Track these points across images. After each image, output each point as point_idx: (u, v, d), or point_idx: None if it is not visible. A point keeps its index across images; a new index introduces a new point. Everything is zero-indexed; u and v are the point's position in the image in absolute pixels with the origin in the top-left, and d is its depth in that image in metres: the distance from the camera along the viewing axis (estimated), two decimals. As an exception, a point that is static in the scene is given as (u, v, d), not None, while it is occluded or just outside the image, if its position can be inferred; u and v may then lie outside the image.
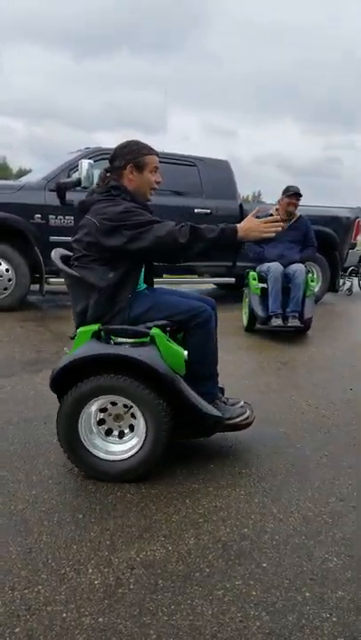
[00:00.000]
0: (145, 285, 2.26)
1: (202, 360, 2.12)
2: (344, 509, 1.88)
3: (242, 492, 1.96)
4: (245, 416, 2.23)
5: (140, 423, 1.98)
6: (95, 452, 1.98)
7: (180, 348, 2.03)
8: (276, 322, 4.47)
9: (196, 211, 5.76)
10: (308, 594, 1.45)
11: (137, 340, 2.01)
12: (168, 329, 2.11)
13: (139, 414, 1.98)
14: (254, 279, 4.73)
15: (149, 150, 2.15)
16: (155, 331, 2.00)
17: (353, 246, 7.20)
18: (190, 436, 2.28)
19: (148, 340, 2.00)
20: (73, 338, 2.09)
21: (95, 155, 5.18)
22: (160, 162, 6.37)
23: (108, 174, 2.16)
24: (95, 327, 2.00)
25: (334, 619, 1.36)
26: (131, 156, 2.12)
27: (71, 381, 1.97)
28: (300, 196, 4.84)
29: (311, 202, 6.35)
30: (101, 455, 1.98)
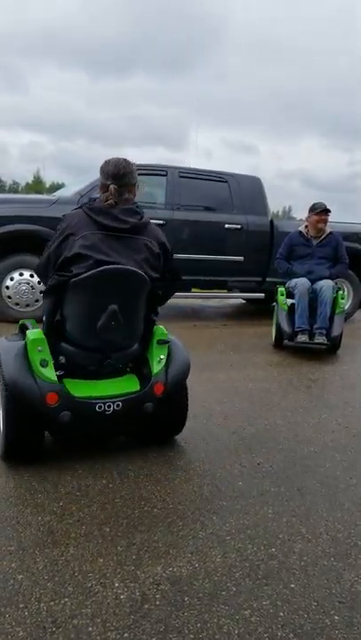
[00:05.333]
0: None
1: None
2: (375, 532, 1.83)
3: (270, 511, 1.93)
4: None
5: None
6: None
7: None
8: (302, 338, 4.41)
9: (226, 226, 5.79)
10: (336, 617, 1.41)
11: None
12: None
13: None
14: (282, 294, 4.70)
15: None
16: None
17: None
18: None
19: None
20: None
21: None
22: (192, 177, 6.58)
23: (121, 190, 2.18)
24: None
25: (365, 645, 1.32)
26: (137, 172, 2.26)
27: None
28: (329, 211, 4.81)
29: (339, 218, 6.28)
30: None
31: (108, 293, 2.07)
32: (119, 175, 2.18)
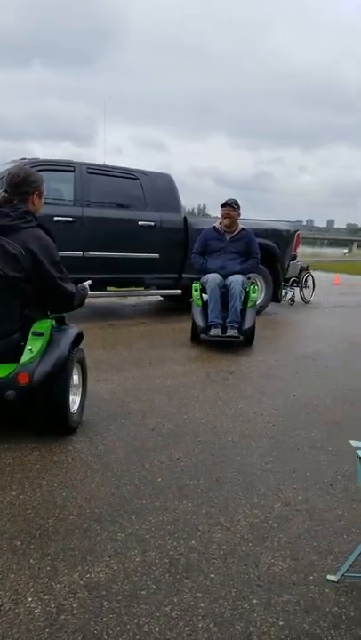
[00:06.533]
0: None
1: None
2: (289, 513, 1.89)
3: (189, 504, 1.93)
4: None
5: (79, 378, 2.68)
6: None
7: None
8: (214, 332, 4.54)
9: (140, 223, 5.76)
10: (255, 601, 1.44)
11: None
12: None
13: (80, 372, 2.67)
14: (196, 290, 4.78)
15: (43, 180, 2.54)
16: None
17: (294, 258, 7.43)
18: None
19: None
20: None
21: (33, 166, 5.09)
22: (102, 174, 6.62)
23: (10, 197, 2.40)
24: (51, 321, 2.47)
25: (281, 622, 1.36)
26: (37, 183, 2.47)
27: None
28: (236, 207, 4.93)
29: (249, 215, 6.50)
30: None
31: None
32: (11, 185, 2.44)
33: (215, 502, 1.96)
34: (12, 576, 1.50)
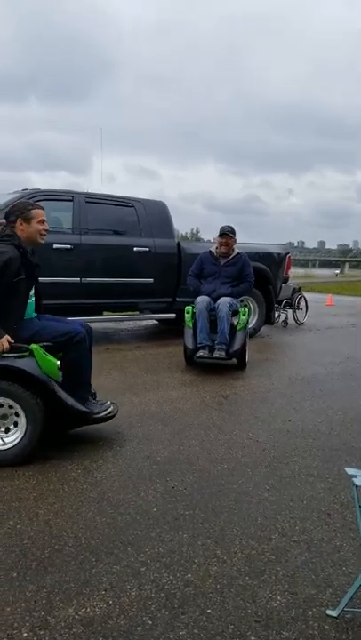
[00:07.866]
0: (35, 314, 2.84)
1: (77, 371, 2.74)
2: (287, 545, 1.88)
3: (185, 536, 1.92)
4: (109, 411, 2.82)
5: (22, 419, 2.51)
6: None
7: (53, 359, 2.57)
8: (201, 353, 4.60)
9: (135, 249, 5.84)
10: (253, 638, 1.42)
11: (20, 354, 2.53)
12: (47, 345, 2.65)
13: (21, 412, 2.51)
14: (188, 313, 4.84)
15: (34, 206, 2.83)
16: (33, 346, 2.54)
17: (286, 280, 7.50)
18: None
19: (27, 353, 2.53)
20: None
21: (34, 196, 5.17)
22: (99, 203, 6.80)
23: (5, 226, 2.77)
24: None
25: (280, 662, 1.34)
26: (20, 212, 2.77)
27: None
28: (232, 234, 5.03)
29: (243, 239, 6.59)
30: None
31: None
32: (5, 216, 2.81)
33: (211, 533, 1.94)
34: (8, 609, 1.48)
